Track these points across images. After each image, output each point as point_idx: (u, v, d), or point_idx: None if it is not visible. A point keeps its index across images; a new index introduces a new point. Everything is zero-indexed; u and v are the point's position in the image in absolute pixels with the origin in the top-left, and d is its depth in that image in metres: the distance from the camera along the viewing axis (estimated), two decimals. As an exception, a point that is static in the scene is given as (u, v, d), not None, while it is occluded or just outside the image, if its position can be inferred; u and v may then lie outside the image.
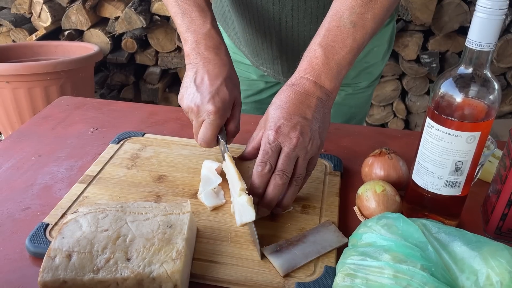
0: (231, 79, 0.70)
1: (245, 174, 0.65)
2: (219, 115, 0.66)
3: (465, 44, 0.54)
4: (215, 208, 0.66)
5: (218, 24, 0.90)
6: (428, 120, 0.58)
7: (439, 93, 0.57)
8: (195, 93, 0.67)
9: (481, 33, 0.52)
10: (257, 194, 0.61)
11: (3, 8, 2.25)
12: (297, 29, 0.85)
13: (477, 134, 0.55)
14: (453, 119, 0.55)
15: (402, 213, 0.57)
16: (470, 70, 0.55)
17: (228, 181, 0.66)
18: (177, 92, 2.43)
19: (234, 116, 0.71)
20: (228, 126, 0.71)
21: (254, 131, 0.66)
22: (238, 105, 0.71)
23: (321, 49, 0.64)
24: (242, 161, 0.68)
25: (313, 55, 0.65)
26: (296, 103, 0.63)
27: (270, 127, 0.61)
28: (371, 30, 0.65)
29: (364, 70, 0.97)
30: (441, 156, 0.58)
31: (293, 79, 0.66)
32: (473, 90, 0.55)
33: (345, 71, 0.66)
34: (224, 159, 0.67)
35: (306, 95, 0.63)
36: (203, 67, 0.69)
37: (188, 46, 0.71)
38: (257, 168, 0.60)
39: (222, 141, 0.69)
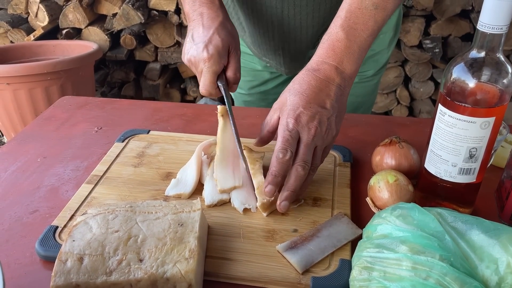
0: (223, 27, 0.71)
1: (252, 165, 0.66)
2: (214, 61, 0.68)
3: (477, 27, 0.53)
4: (223, 204, 0.65)
5: None
6: (440, 107, 0.57)
7: (451, 78, 0.55)
8: (192, 46, 0.70)
9: (493, 16, 0.50)
10: (276, 183, 0.60)
11: (0, 9, 2.23)
12: (299, 18, 0.84)
13: (492, 120, 0.54)
14: (466, 105, 0.54)
15: (415, 203, 0.56)
16: (482, 54, 0.53)
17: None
18: (178, 87, 2.43)
19: (232, 63, 0.72)
20: (227, 73, 0.72)
21: (268, 115, 0.65)
22: (235, 52, 0.72)
23: (343, 32, 0.63)
24: (252, 152, 0.67)
25: (335, 38, 0.64)
26: (316, 91, 0.62)
27: (289, 114, 0.60)
28: (391, 12, 0.64)
29: (370, 58, 0.96)
30: (454, 143, 0.56)
31: (313, 63, 0.64)
32: (486, 74, 0.54)
33: (364, 55, 0.65)
34: (225, 102, 0.69)
35: (326, 82, 0.62)
36: (198, 22, 0.71)
37: (186, 6, 0.74)
38: (278, 155, 0.59)
39: (220, 85, 0.70)
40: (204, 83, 0.69)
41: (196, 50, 0.69)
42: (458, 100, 0.55)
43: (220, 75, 0.70)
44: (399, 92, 2.24)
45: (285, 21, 0.85)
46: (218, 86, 0.70)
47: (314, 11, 0.82)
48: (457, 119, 0.55)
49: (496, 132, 0.56)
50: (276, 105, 0.64)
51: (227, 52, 0.70)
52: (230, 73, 0.71)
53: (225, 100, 0.69)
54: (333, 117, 0.62)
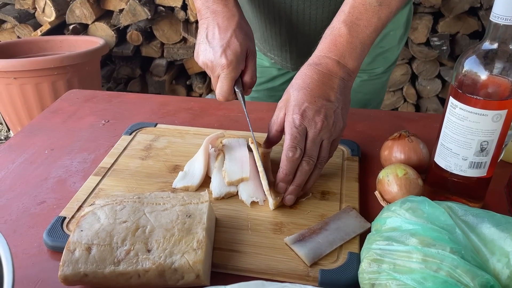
0: (241, 29, 0.69)
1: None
2: (232, 67, 0.66)
3: (490, 18, 0.52)
4: (231, 196, 0.65)
5: None
6: (451, 99, 0.56)
7: (463, 71, 0.55)
8: (208, 48, 0.68)
9: (507, 6, 0.50)
10: (287, 181, 0.60)
11: (7, 4, 2.24)
12: (308, 12, 0.83)
13: (504, 112, 0.53)
14: (478, 97, 0.53)
15: (424, 197, 0.55)
16: (495, 45, 0.52)
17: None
18: (183, 83, 2.43)
19: (249, 67, 0.70)
20: (243, 77, 0.70)
21: (274, 114, 0.64)
22: (252, 55, 0.70)
23: (346, 27, 0.63)
24: (259, 147, 0.67)
25: (337, 33, 0.63)
26: (319, 84, 0.61)
27: (294, 111, 0.60)
28: (395, 9, 0.63)
29: (379, 55, 0.95)
30: (465, 137, 0.56)
31: (314, 58, 0.64)
32: (498, 67, 0.53)
33: (367, 51, 0.64)
34: (244, 109, 0.69)
35: (329, 76, 0.62)
36: (213, 21, 0.69)
37: (198, 2, 0.72)
38: (288, 154, 0.59)
39: (237, 91, 0.69)
40: (222, 90, 0.68)
41: (213, 54, 0.67)
42: (469, 92, 0.54)
43: (237, 80, 0.69)
44: (406, 89, 2.23)
45: (293, 16, 0.84)
46: (235, 91, 0.69)
47: (324, 5, 0.81)
48: (469, 111, 0.54)
49: (508, 125, 0.55)
50: (281, 103, 0.63)
51: (245, 56, 0.69)
52: (247, 78, 0.70)
53: (242, 104, 0.69)
54: (339, 109, 0.62)
